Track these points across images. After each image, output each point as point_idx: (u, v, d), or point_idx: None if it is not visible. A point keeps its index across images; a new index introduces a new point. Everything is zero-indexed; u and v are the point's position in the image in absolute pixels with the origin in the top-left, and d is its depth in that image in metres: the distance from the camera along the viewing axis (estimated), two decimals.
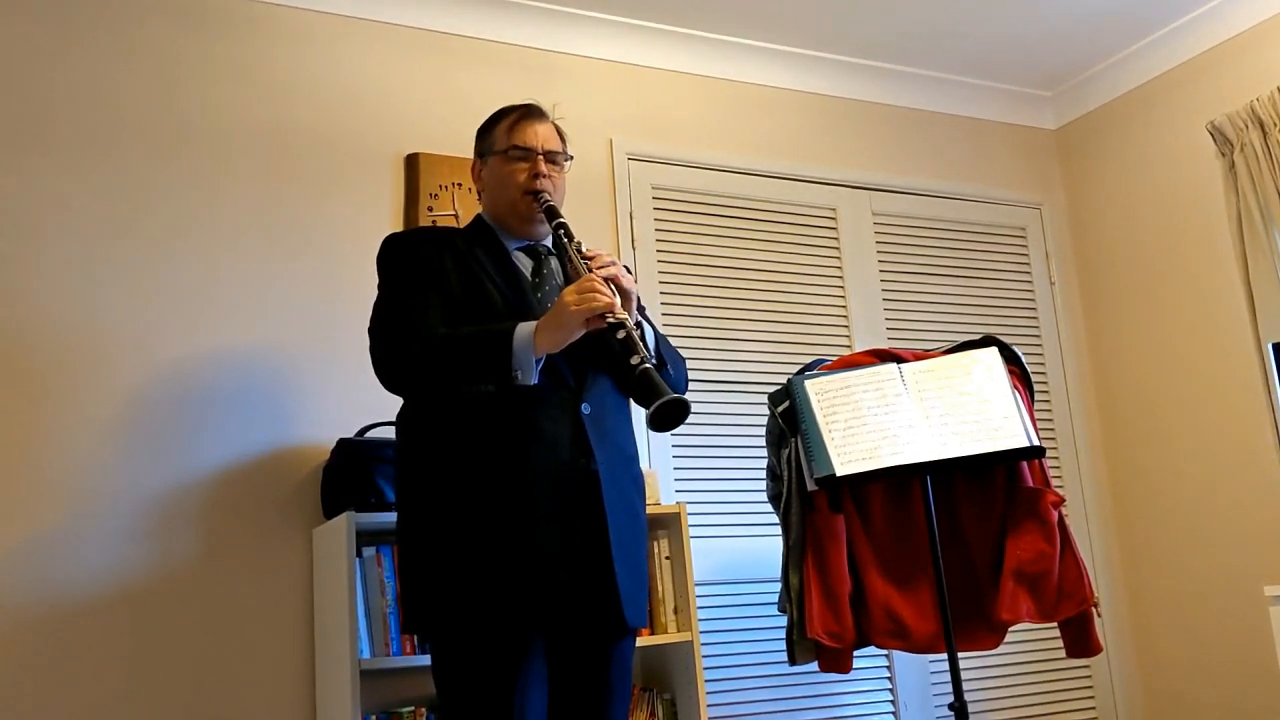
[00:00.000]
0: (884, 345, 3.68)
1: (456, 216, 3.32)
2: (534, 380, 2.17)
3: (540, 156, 2.41)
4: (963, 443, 2.85)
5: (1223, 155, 3.87)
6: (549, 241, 2.45)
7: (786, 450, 3.05)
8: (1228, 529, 3.89)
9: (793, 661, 3.01)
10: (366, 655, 2.70)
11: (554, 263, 2.44)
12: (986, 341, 3.08)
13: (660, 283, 3.67)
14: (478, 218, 2.51)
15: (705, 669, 3.12)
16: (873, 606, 2.98)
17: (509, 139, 2.42)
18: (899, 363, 3.03)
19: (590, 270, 2.25)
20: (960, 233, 4.27)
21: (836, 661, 2.99)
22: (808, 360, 3.32)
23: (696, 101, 3.92)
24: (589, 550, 2.19)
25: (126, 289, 2.97)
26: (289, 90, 3.29)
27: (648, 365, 2.14)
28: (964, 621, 2.97)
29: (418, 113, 3.44)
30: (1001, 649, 3.16)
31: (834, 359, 3.25)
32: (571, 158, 2.49)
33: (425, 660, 2.37)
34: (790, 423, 3.02)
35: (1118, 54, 4.27)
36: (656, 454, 3.46)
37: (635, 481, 2.36)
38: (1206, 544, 3.96)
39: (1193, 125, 4.02)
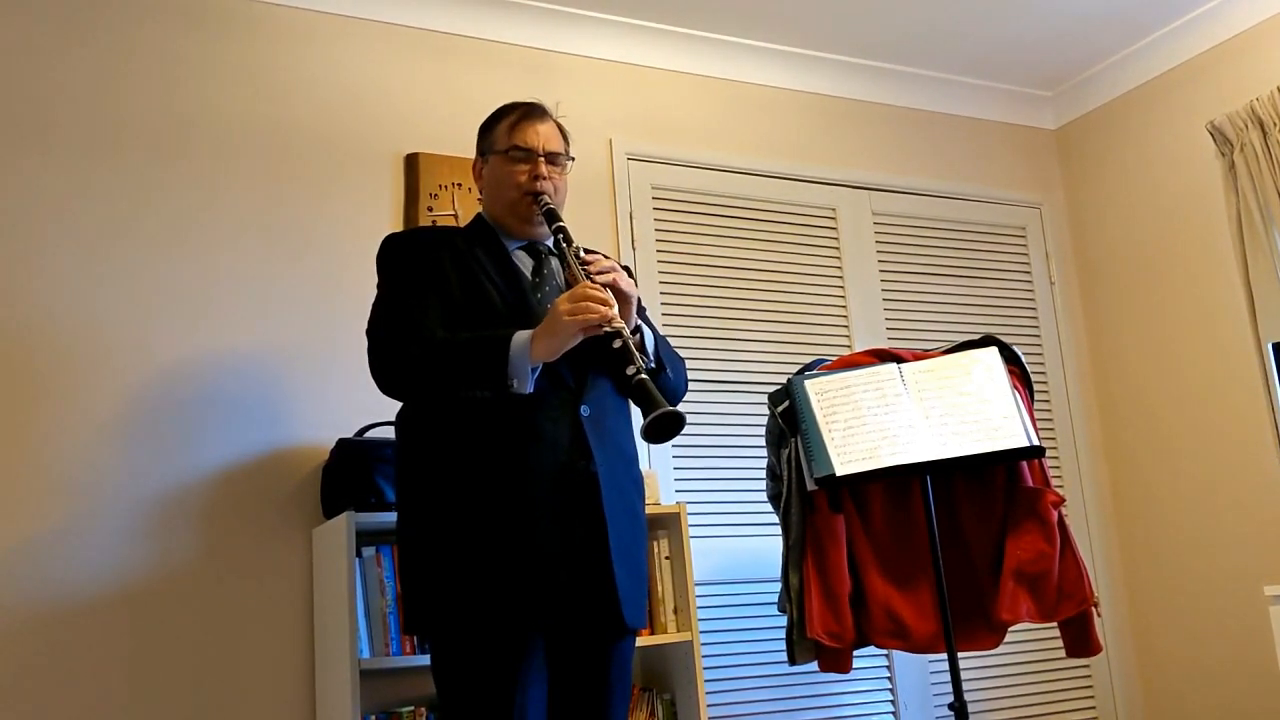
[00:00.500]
0: (884, 345, 3.68)
1: (456, 216, 3.32)
2: (530, 389, 2.17)
3: (541, 158, 2.40)
4: (963, 443, 2.85)
5: (1223, 155, 3.87)
6: (550, 241, 2.44)
7: (786, 450, 3.05)
8: (1228, 529, 3.89)
9: (793, 661, 3.01)
10: (366, 655, 2.70)
11: (554, 263, 2.43)
12: (986, 341, 3.08)
13: (660, 283, 3.67)
14: (478, 217, 2.50)
15: (705, 669, 3.12)
16: (873, 606, 2.98)
17: (510, 139, 2.41)
18: (899, 363, 3.03)
19: (588, 276, 2.24)
20: (960, 233, 4.27)
21: (836, 661, 2.99)
22: (808, 360, 3.32)
23: (696, 101, 3.92)
24: (589, 551, 2.19)
25: (127, 289, 2.97)
26: (289, 90, 3.29)
27: (643, 377, 2.14)
28: (964, 621, 2.97)
29: (418, 113, 3.44)
30: (1001, 649, 3.16)
31: (834, 359, 3.25)
32: (573, 158, 2.49)
33: (425, 660, 2.37)
34: (790, 423, 3.02)
35: (1118, 54, 4.27)
36: (656, 454, 3.46)
37: (635, 483, 2.36)
38: (1206, 544, 3.96)
39: (1193, 125, 4.02)
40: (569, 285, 2.31)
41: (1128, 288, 4.29)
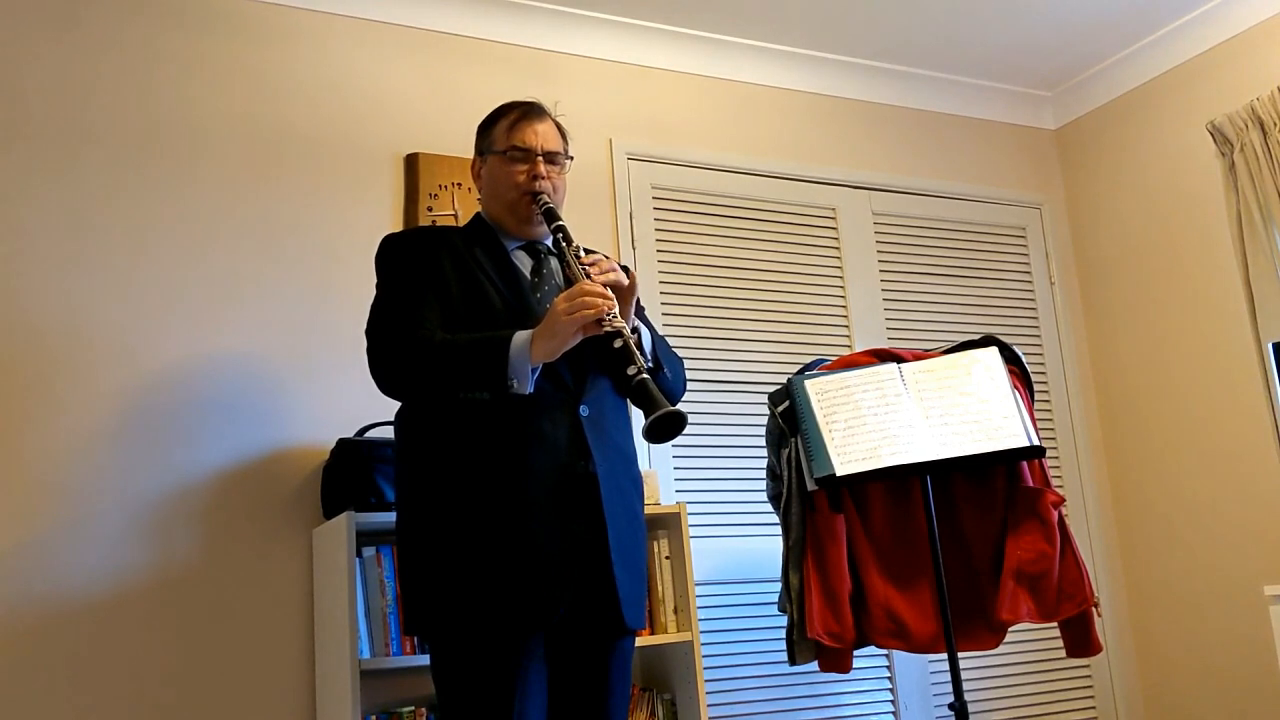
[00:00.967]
0: (884, 345, 3.68)
1: (456, 216, 3.32)
2: (530, 389, 2.16)
3: (540, 158, 2.39)
4: (963, 442, 2.85)
5: (1223, 155, 3.87)
6: (549, 241, 2.44)
7: (786, 450, 3.05)
8: (1228, 529, 3.89)
9: (793, 661, 3.01)
10: (366, 655, 2.70)
11: (554, 262, 2.43)
12: (986, 341, 3.08)
13: (660, 283, 3.67)
14: (476, 216, 2.50)
15: (705, 669, 3.12)
16: (873, 606, 2.98)
17: (509, 139, 2.41)
18: (899, 363, 3.03)
19: (587, 276, 2.24)
20: (960, 233, 4.27)
21: (836, 661, 2.99)
22: (808, 360, 3.32)
23: (696, 101, 3.92)
24: (588, 551, 2.19)
25: (128, 290, 2.97)
26: (290, 91, 3.29)
27: (644, 376, 2.14)
28: (964, 621, 2.97)
29: (417, 113, 3.44)
30: (1001, 649, 3.16)
31: (834, 359, 3.25)
32: (572, 158, 2.48)
33: (425, 660, 2.37)
34: (790, 423, 3.02)
35: (1118, 54, 4.27)
36: (656, 454, 3.46)
37: (635, 483, 2.36)
38: (1206, 544, 3.96)
39: (1193, 125, 4.02)
40: (568, 285, 2.31)
41: (1128, 288, 4.29)
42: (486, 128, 2.48)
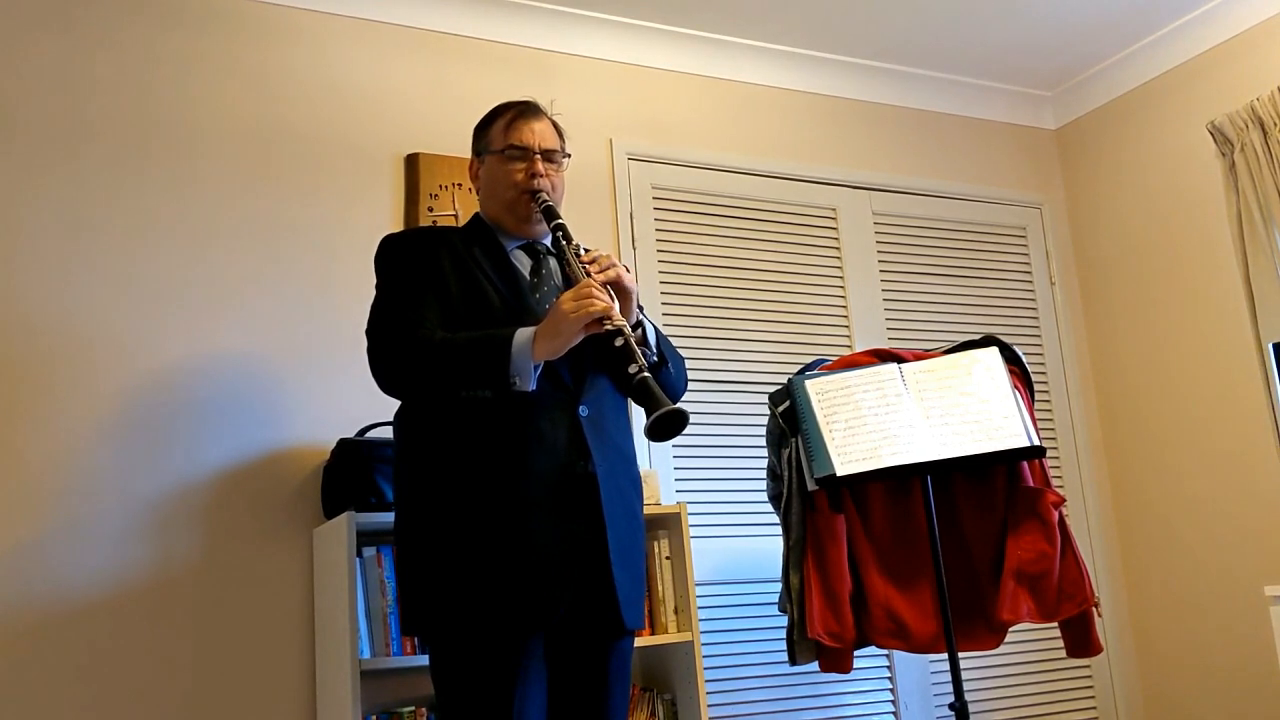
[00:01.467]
0: (884, 345, 3.68)
1: (456, 216, 3.32)
2: (532, 387, 2.16)
3: (537, 155, 2.40)
4: (963, 442, 2.85)
5: (1223, 155, 3.87)
6: (548, 240, 2.44)
7: (787, 450, 3.05)
8: (1228, 529, 3.89)
9: (793, 661, 3.01)
10: (367, 655, 2.70)
11: (553, 262, 2.43)
12: (987, 341, 3.08)
13: (660, 283, 3.67)
14: (475, 216, 2.50)
15: (705, 669, 3.12)
16: (873, 606, 2.98)
17: (506, 138, 2.41)
18: (899, 363, 3.03)
19: (588, 274, 2.24)
20: (960, 233, 4.27)
21: (837, 661, 2.99)
22: (808, 360, 3.32)
23: (696, 101, 3.92)
24: (588, 552, 2.19)
25: (128, 289, 2.97)
26: (290, 91, 3.29)
27: (645, 375, 2.13)
28: (964, 621, 2.97)
29: (417, 113, 3.44)
30: (1002, 649, 3.16)
31: (834, 359, 3.25)
32: (569, 155, 2.48)
33: (425, 660, 2.37)
34: (791, 423, 3.02)
35: (1118, 54, 4.27)
36: (657, 454, 3.46)
37: (634, 483, 2.36)
38: (1206, 544, 3.96)
39: (1193, 125, 4.02)
40: (568, 283, 2.31)
41: (1128, 287, 4.29)
42: (483, 129, 2.49)
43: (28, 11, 3.02)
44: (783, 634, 3.06)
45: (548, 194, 2.38)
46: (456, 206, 3.35)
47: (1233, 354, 3.88)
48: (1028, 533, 2.97)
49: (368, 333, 2.34)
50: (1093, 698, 4.04)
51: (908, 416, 2.90)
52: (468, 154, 2.55)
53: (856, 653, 3.04)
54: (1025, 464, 3.03)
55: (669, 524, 3.06)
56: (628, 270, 2.34)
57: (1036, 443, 2.86)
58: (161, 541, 2.86)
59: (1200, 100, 4.03)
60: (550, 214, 2.36)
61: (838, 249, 4.01)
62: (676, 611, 3.01)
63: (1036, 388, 3.67)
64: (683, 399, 2.45)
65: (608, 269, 2.26)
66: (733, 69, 3.99)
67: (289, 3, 3.34)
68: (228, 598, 2.90)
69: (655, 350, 2.32)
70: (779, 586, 3.09)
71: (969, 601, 3.00)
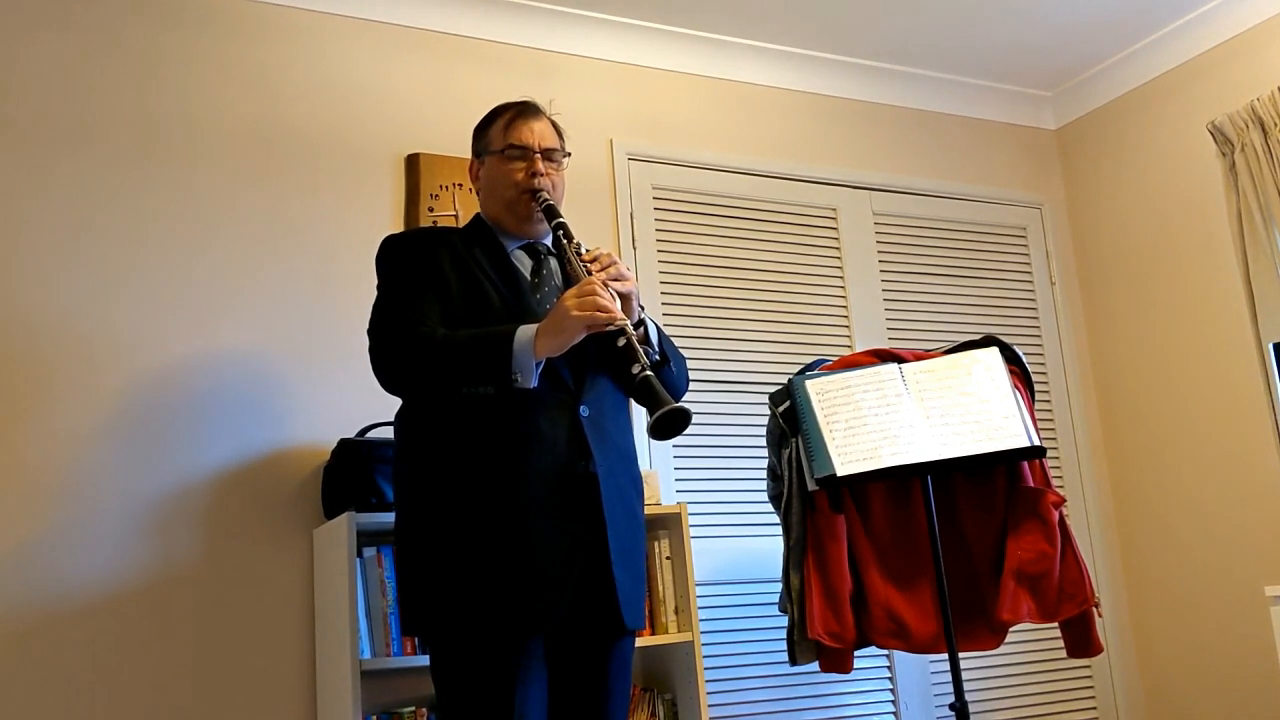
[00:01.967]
0: (884, 345, 3.68)
1: (457, 217, 3.32)
2: (534, 384, 2.17)
3: (538, 155, 2.40)
4: (963, 443, 2.85)
5: (1223, 155, 3.87)
6: (548, 240, 2.44)
7: (787, 450, 3.05)
8: (1228, 529, 3.89)
9: (793, 662, 3.01)
10: (367, 655, 2.70)
11: (553, 262, 2.43)
12: (987, 341, 3.08)
13: (660, 283, 3.67)
14: (476, 217, 2.50)
15: (706, 669, 3.12)
16: (873, 607, 2.98)
17: (505, 138, 2.41)
18: (899, 363, 3.03)
19: (590, 272, 2.24)
20: (960, 233, 4.27)
21: (837, 662, 2.99)
22: (808, 360, 3.32)
23: (696, 101, 3.92)
24: (588, 552, 2.19)
25: (128, 289, 2.97)
26: (290, 91, 3.29)
27: (648, 374, 2.14)
28: (965, 622, 2.97)
29: (418, 113, 3.44)
30: (1002, 649, 3.16)
31: (834, 359, 3.25)
32: (569, 154, 2.49)
33: (425, 660, 2.37)
34: (791, 423, 3.02)
35: (1118, 54, 4.27)
36: (657, 454, 3.46)
37: (634, 483, 2.36)
38: (1206, 544, 3.96)
39: (1193, 125, 4.02)
40: (568, 283, 2.32)
41: (1128, 288, 4.29)
42: (482, 129, 2.49)
43: (28, 11, 3.02)
44: (783, 634, 3.06)
45: (548, 193, 2.38)
46: (457, 207, 3.35)
47: (1233, 354, 3.88)
48: (1028, 533, 2.97)
49: (369, 332, 2.34)
50: (1093, 698, 4.04)
51: (908, 416, 2.90)
52: (468, 154, 2.55)
53: (857, 653, 3.04)
54: (1025, 464, 3.03)
55: (669, 524, 3.06)
56: (629, 268, 2.34)
57: (1037, 443, 2.86)
58: (161, 541, 2.86)
59: (1200, 100, 4.03)
60: (551, 213, 2.36)
61: (838, 249, 4.01)
62: (677, 611, 3.01)
63: (1036, 388, 3.66)
64: (684, 398, 2.45)
65: (609, 267, 2.26)
66: (733, 69, 3.98)
67: (289, 3, 3.34)
68: (228, 598, 2.90)
69: (657, 349, 2.32)
70: (779, 586, 3.09)
71: (969, 602, 3.00)
